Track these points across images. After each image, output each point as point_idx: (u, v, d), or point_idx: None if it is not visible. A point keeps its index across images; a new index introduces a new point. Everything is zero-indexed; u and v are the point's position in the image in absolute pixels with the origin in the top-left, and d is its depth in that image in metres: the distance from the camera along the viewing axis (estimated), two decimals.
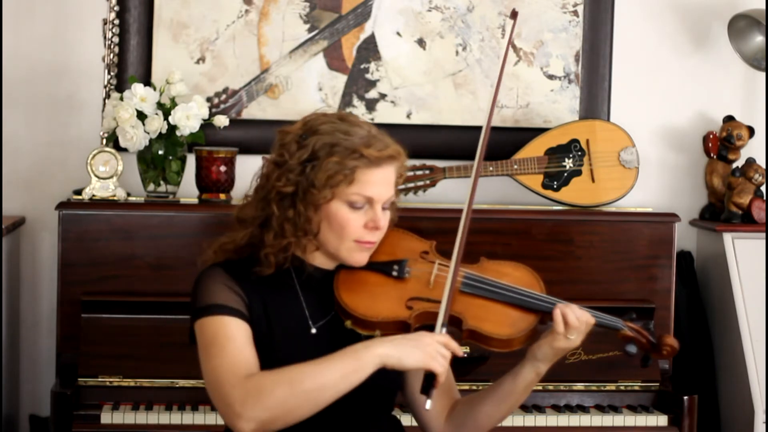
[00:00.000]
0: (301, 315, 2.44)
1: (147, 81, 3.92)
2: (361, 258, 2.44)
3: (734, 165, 4.14)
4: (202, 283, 2.42)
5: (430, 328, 2.37)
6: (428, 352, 2.29)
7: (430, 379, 2.31)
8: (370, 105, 4.07)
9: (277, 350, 2.39)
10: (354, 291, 2.43)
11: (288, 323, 2.43)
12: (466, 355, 3.58)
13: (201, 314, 2.38)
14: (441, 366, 2.30)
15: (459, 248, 2.41)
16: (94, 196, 3.73)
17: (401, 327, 2.40)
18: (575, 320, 2.43)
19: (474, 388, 3.57)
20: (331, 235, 2.42)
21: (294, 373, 2.27)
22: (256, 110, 4.04)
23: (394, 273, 2.46)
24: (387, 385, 2.47)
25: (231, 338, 2.34)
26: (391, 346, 2.29)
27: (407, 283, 2.46)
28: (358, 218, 2.41)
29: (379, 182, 2.41)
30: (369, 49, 4.08)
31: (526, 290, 2.48)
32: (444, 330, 2.34)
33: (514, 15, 2.53)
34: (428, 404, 2.33)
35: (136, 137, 3.67)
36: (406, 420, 2.79)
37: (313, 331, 2.44)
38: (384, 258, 2.47)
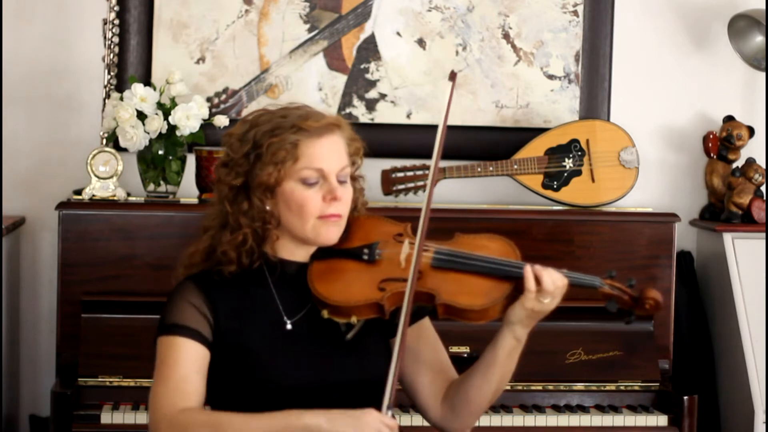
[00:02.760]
0: (275, 312, 2.44)
1: (147, 81, 3.93)
2: (328, 234, 2.43)
3: (734, 165, 4.14)
4: (169, 300, 2.44)
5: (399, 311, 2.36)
6: (364, 430, 2.26)
7: None
8: (370, 105, 4.07)
9: (254, 352, 2.39)
10: (327, 280, 2.42)
11: (262, 323, 2.42)
12: (466, 355, 3.59)
13: (160, 332, 2.41)
14: None
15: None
16: (94, 196, 3.73)
17: (376, 310, 2.39)
18: (548, 281, 2.38)
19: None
20: (292, 217, 2.41)
21: (222, 420, 2.30)
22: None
23: (365, 257, 2.44)
24: (371, 378, 2.43)
25: (180, 363, 2.36)
26: (325, 419, 2.27)
27: (379, 266, 2.44)
28: (314, 194, 2.40)
29: (325, 153, 2.40)
30: (369, 49, 4.08)
31: (498, 258, 2.43)
32: (390, 412, 2.30)
33: (452, 77, 2.49)
34: None
35: (136, 137, 3.67)
36: (405, 420, 2.79)
37: (289, 326, 2.43)
38: (356, 244, 2.47)
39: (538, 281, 2.38)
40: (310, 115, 2.42)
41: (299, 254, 2.47)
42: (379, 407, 2.31)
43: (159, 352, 2.39)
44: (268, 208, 2.41)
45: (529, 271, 2.39)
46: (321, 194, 2.40)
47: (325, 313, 2.40)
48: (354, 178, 2.49)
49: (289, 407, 2.31)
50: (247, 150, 2.41)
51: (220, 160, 2.48)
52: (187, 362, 2.37)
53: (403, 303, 2.35)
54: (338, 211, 2.42)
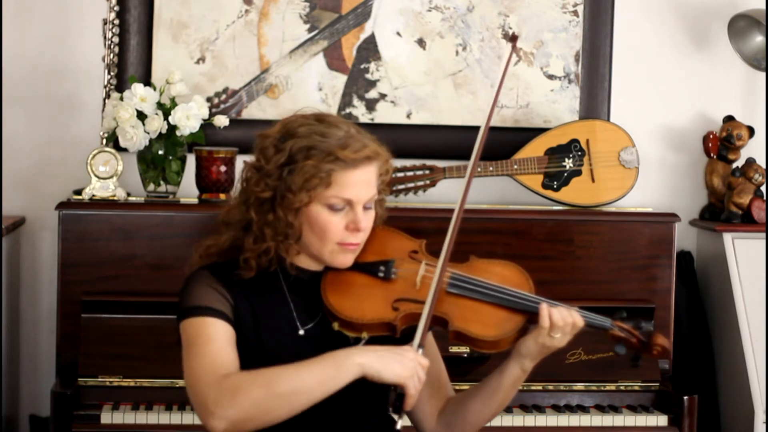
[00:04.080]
0: (289, 317, 2.44)
1: (147, 81, 3.92)
2: (344, 260, 2.44)
3: (734, 165, 4.14)
4: (188, 285, 2.43)
5: (414, 329, 2.36)
6: (409, 368, 2.28)
7: (401, 398, 2.30)
8: (370, 105, 4.07)
9: (264, 352, 2.39)
10: (340, 293, 2.42)
11: (275, 325, 2.43)
12: (466, 355, 3.59)
13: (185, 315, 2.39)
14: (414, 387, 2.29)
15: (446, 254, 2.39)
16: (94, 196, 3.73)
17: (387, 328, 2.39)
18: (560, 319, 2.41)
19: None
20: (313, 238, 2.41)
21: (271, 375, 2.27)
22: (256, 110, 4.04)
23: (381, 274, 2.45)
24: (375, 384, 2.45)
25: (212, 339, 2.35)
26: (373, 356, 2.29)
27: (394, 284, 2.44)
28: (338, 221, 2.40)
29: (357, 184, 2.40)
30: (369, 49, 4.08)
31: (514, 290, 2.45)
32: (421, 351, 2.33)
33: (513, 39, 2.51)
34: (399, 424, 2.32)
35: (136, 137, 3.67)
36: (405, 419, 2.79)
37: (301, 332, 2.44)
38: (372, 258, 2.46)
39: (550, 319, 2.41)
40: (349, 144, 2.40)
41: (314, 265, 2.48)
42: (383, 406, 2.34)
43: (187, 334, 2.37)
44: (291, 222, 2.40)
45: (544, 309, 2.41)
46: (345, 222, 2.41)
47: (335, 326, 2.40)
48: (378, 191, 2.48)
49: None
50: (281, 162, 2.39)
51: (251, 162, 2.45)
52: (218, 337, 2.35)
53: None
54: (358, 240, 2.43)
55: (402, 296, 2.42)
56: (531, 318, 2.43)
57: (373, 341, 2.40)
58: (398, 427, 2.32)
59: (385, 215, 2.53)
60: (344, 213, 2.40)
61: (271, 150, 2.41)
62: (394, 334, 2.40)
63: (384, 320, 2.39)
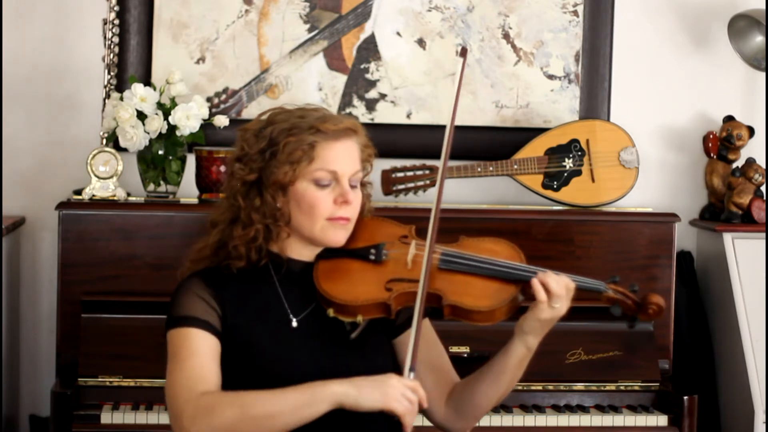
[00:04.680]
0: (281, 309, 2.45)
1: (147, 81, 3.92)
2: (336, 236, 2.45)
3: (734, 165, 4.14)
4: (177, 294, 2.44)
5: (410, 309, 2.37)
6: (389, 393, 2.27)
7: (397, 425, 2.30)
8: (370, 105, 4.07)
9: (259, 348, 2.40)
10: (333, 278, 2.43)
11: (267, 319, 2.43)
12: (466, 355, 3.59)
13: (171, 325, 2.40)
14: (403, 407, 2.27)
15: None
16: (94, 196, 3.73)
17: (382, 309, 2.40)
18: (556, 286, 2.40)
19: None
20: (302, 217, 2.43)
21: (247, 398, 2.29)
22: (256, 110, 4.03)
23: (372, 257, 2.46)
24: (375, 371, 2.45)
25: (194, 353, 2.36)
26: (350, 386, 2.28)
27: (386, 266, 2.45)
28: (326, 195, 2.42)
29: (340, 156, 2.42)
30: (369, 49, 4.08)
31: (505, 261, 2.46)
32: (412, 375, 2.32)
33: (463, 53, 2.53)
34: None
35: (136, 137, 3.67)
36: None
37: (294, 324, 2.44)
38: (362, 244, 2.48)
39: (546, 289, 2.40)
40: (328, 118, 2.44)
41: (305, 254, 2.48)
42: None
43: (172, 345, 2.39)
44: (279, 205, 2.42)
45: (536, 282, 2.41)
46: (332, 196, 2.42)
47: (330, 312, 2.41)
48: (363, 184, 2.51)
49: None
50: (263, 146, 2.42)
51: (233, 155, 2.48)
52: (201, 351, 2.36)
53: (419, 289, 2.36)
54: (348, 214, 2.44)
55: (394, 276, 2.43)
56: (524, 288, 2.43)
57: (370, 325, 2.41)
58: None
59: (372, 209, 2.54)
60: (331, 188, 2.42)
61: (252, 138, 2.45)
62: (389, 315, 2.41)
63: (378, 300, 2.40)
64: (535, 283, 2.41)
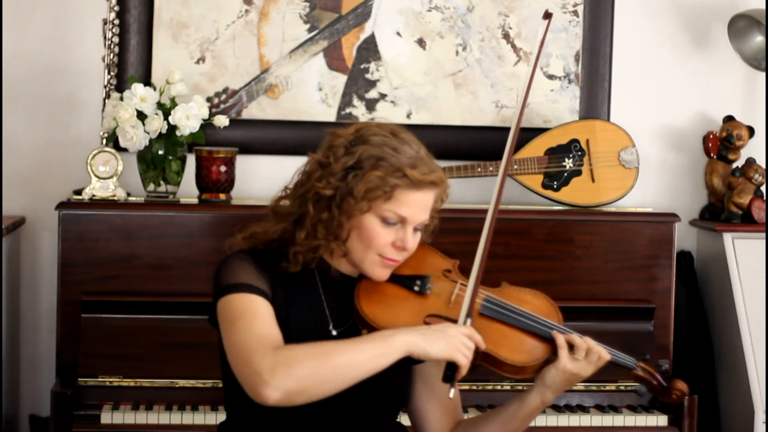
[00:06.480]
0: (322, 316, 2.46)
1: (147, 81, 3.93)
2: (381, 273, 2.45)
3: (734, 165, 4.14)
4: (230, 263, 2.42)
5: None
6: (453, 343, 2.30)
7: (453, 369, 2.32)
8: (370, 105, 4.07)
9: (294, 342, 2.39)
10: (374, 301, 2.43)
11: (307, 321, 2.43)
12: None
13: (228, 291, 2.37)
14: (464, 358, 2.31)
15: (481, 258, 2.42)
16: (94, 196, 3.73)
17: None
18: (578, 341, 2.44)
19: (474, 388, 3.58)
20: (358, 244, 2.43)
21: (326, 347, 2.28)
22: (256, 110, 4.04)
23: (416, 288, 2.46)
24: (393, 390, 2.48)
25: (259, 314, 2.34)
26: (417, 335, 2.30)
27: (427, 299, 2.46)
28: (387, 234, 2.42)
29: (415, 204, 2.42)
30: (369, 49, 4.08)
31: (545, 319, 2.48)
32: (468, 321, 2.35)
33: (547, 16, 2.53)
34: (452, 393, 2.35)
35: (136, 137, 3.67)
36: (406, 420, 2.79)
37: (334, 333, 2.45)
38: (407, 272, 2.48)
39: (570, 343, 2.45)
40: (418, 164, 2.43)
41: (350, 270, 2.50)
42: (391, 416, 2.41)
43: (231, 309, 2.35)
44: (343, 224, 2.42)
45: (560, 336, 2.45)
46: (393, 238, 2.43)
47: (365, 333, 2.41)
48: (430, 216, 2.50)
49: (300, 406, 2.30)
50: (349, 165, 2.41)
51: (317, 156, 2.46)
52: (264, 312, 2.35)
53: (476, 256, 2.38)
54: (400, 258, 2.45)
55: (435, 312, 2.43)
56: (555, 349, 2.45)
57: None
58: (450, 395, 2.35)
59: (429, 240, 2.55)
60: (395, 229, 2.42)
61: (341, 150, 2.42)
62: None
63: None
64: (556, 335, 2.45)
